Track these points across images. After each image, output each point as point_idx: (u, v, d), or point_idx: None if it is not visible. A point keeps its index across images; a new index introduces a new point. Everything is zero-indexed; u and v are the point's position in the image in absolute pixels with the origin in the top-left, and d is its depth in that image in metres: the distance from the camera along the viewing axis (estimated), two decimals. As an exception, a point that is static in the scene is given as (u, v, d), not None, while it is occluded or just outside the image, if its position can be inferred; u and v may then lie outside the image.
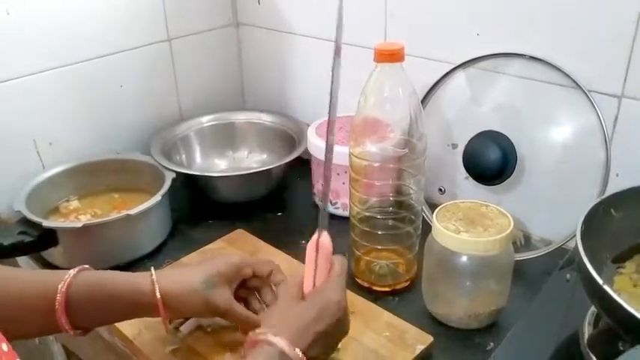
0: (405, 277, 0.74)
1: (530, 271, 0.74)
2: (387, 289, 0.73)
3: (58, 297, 0.53)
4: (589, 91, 0.69)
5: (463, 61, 0.78)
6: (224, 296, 0.58)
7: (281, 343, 0.47)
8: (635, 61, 0.66)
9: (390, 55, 0.64)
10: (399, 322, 0.65)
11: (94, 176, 0.90)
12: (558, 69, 0.71)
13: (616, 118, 0.70)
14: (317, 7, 0.95)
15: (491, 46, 0.76)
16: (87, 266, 0.58)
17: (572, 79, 0.70)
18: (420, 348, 0.61)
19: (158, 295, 0.56)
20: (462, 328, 0.66)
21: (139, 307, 0.57)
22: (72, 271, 0.56)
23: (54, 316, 0.53)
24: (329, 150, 0.53)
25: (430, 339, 0.62)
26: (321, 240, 0.53)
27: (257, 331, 0.50)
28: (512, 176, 0.77)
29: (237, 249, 0.79)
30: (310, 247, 0.54)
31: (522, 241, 0.80)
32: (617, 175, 0.71)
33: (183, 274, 0.59)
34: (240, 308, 0.60)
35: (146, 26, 0.96)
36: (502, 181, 0.76)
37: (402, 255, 0.74)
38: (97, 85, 0.92)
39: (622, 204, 0.58)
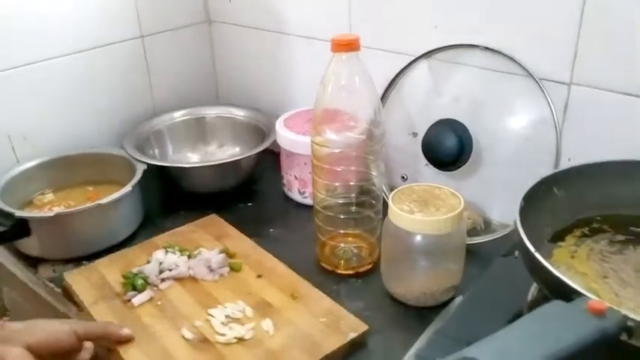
0: (367, 260, 0.76)
1: (489, 254, 0.77)
2: (350, 272, 0.76)
3: None
4: (540, 79, 0.72)
5: (422, 52, 0.82)
6: None
7: None
8: (581, 49, 0.69)
9: (346, 45, 0.67)
10: (338, 309, 0.67)
11: (69, 170, 0.92)
12: (511, 59, 0.74)
13: (566, 105, 0.73)
14: (286, 4, 0.98)
15: (449, 38, 0.79)
16: None
17: (524, 68, 0.73)
18: (351, 335, 0.62)
19: None
20: (420, 307, 0.69)
21: None
22: None
23: None
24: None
25: (364, 328, 0.64)
26: None
27: None
28: (471, 163, 0.80)
29: (207, 234, 0.82)
30: None
31: (482, 225, 0.83)
32: (569, 159, 0.74)
33: None
34: None
35: (119, 23, 0.98)
36: (458, 167, 0.79)
37: (365, 239, 0.77)
38: (70, 80, 0.94)
39: (564, 182, 0.61)
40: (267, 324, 0.65)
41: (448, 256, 0.67)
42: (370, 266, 0.76)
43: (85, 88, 0.97)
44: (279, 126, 0.90)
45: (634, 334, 0.40)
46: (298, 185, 0.90)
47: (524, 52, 0.73)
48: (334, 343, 0.61)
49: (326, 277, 0.75)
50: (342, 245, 0.77)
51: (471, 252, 0.75)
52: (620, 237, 0.59)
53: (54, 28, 0.90)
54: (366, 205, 0.75)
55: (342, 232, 0.76)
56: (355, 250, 0.77)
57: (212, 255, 0.76)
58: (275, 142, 0.92)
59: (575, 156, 0.74)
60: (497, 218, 0.84)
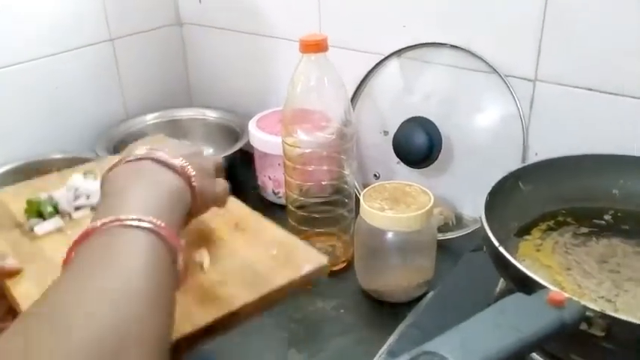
0: (342, 258, 0.77)
1: (461, 248, 0.78)
2: (325, 270, 0.76)
3: None
4: (506, 76, 0.74)
5: (392, 51, 0.83)
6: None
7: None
8: (545, 47, 0.71)
9: (314, 46, 0.67)
10: (294, 241, 0.55)
11: (41, 175, 0.91)
12: (478, 57, 0.75)
13: (532, 101, 0.74)
14: (256, 5, 0.98)
15: (418, 37, 0.80)
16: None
17: (490, 65, 0.74)
18: (306, 268, 0.50)
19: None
20: (394, 302, 0.70)
21: None
22: None
23: None
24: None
25: (323, 261, 0.51)
26: None
27: None
28: (441, 160, 0.82)
29: None
30: None
31: (454, 220, 0.84)
32: (536, 154, 0.76)
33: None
34: None
35: (87, 27, 0.97)
36: (429, 165, 0.80)
37: (339, 237, 0.78)
38: (40, 85, 0.94)
39: (529, 177, 0.63)
40: (200, 255, 0.53)
41: (419, 252, 0.68)
42: (345, 264, 0.77)
43: (54, 92, 0.96)
44: (252, 127, 0.90)
45: (593, 324, 0.41)
46: (272, 185, 0.91)
47: (490, 50, 0.75)
48: (284, 277, 0.49)
49: (301, 277, 0.75)
50: (317, 244, 0.78)
51: (444, 247, 0.76)
52: (584, 229, 0.60)
53: (21, 32, 0.89)
54: (339, 204, 0.76)
55: (316, 231, 0.77)
56: (329, 249, 0.78)
57: None
58: (249, 143, 0.92)
59: (542, 150, 0.75)
60: (468, 213, 0.85)
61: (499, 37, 0.74)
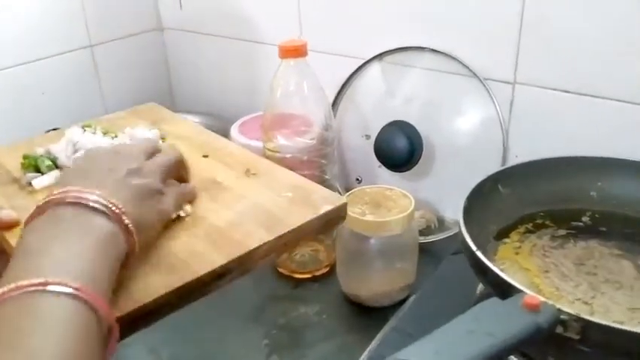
0: (324, 263, 0.77)
1: (443, 251, 0.79)
2: (307, 275, 0.76)
3: None
4: (485, 79, 0.74)
5: (372, 55, 0.83)
6: None
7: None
8: (523, 50, 0.71)
9: (293, 51, 0.67)
10: (309, 184, 0.53)
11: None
12: (458, 60, 0.75)
13: (512, 103, 0.75)
14: (236, 9, 0.98)
15: (398, 41, 0.81)
16: None
17: (469, 69, 0.75)
18: (325, 208, 0.49)
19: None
20: (377, 307, 0.70)
21: None
22: None
23: None
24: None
25: (342, 200, 0.51)
26: None
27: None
28: (423, 163, 0.82)
29: (141, 119, 0.70)
30: None
31: (436, 223, 0.84)
32: (516, 156, 0.76)
33: None
34: None
35: (66, 33, 0.96)
36: (410, 168, 0.81)
37: (322, 241, 0.78)
38: (19, 92, 0.93)
39: (508, 180, 0.63)
40: (212, 199, 0.52)
41: (401, 256, 0.68)
42: (327, 269, 0.77)
43: (34, 100, 0.95)
44: (234, 132, 0.90)
45: (568, 327, 0.41)
46: (255, 190, 0.90)
47: (470, 54, 0.75)
48: (301, 217, 0.48)
49: (283, 282, 0.75)
50: (300, 249, 0.78)
51: (426, 250, 0.76)
52: (562, 232, 0.61)
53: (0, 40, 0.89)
54: (321, 209, 0.75)
55: (298, 236, 0.77)
56: (313, 254, 0.78)
57: (142, 132, 0.63)
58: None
59: (522, 152, 0.76)
60: (450, 216, 0.85)
61: (478, 41, 0.74)
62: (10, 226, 0.48)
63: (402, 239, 0.66)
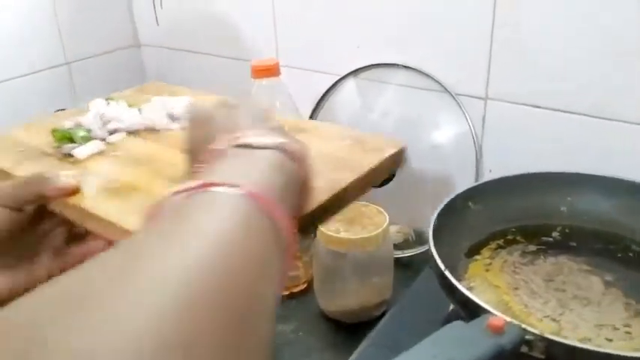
0: (302, 280, 0.77)
1: (420, 265, 0.79)
2: (285, 292, 0.76)
3: None
4: (457, 94, 0.75)
5: (347, 72, 0.83)
6: None
7: None
8: (494, 67, 0.73)
9: (265, 71, 0.68)
10: (362, 133, 0.52)
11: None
12: (430, 76, 0.76)
13: (484, 119, 0.76)
14: (213, 27, 0.98)
15: (371, 58, 0.81)
16: None
17: (442, 85, 0.76)
18: (390, 151, 0.49)
19: None
20: (354, 323, 0.70)
21: None
22: None
23: None
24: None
25: (400, 144, 0.50)
26: None
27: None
28: (399, 178, 0.82)
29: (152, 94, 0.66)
30: None
31: (414, 237, 0.85)
32: (490, 171, 0.77)
33: None
34: None
35: (41, 51, 0.96)
36: (385, 184, 0.81)
37: (299, 258, 0.78)
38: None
39: (479, 197, 0.64)
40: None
41: (377, 272, 0.69)
42: (304, 286, 0.77)
43: (9, 118, 0.94)
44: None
45: (534, 347, 0.42)
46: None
47: (442, 70, 0.76)
48: (371, 159, 0.47)
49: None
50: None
51: (404, 265, 0.77)
52: (532, 247, 0.62)
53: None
54: (297, 226, 0.76)
55: (275, 253, 0.77)
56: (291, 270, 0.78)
57: (172, 100, 0.60)
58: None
59: (496, 167, 0.77)
60: (428, 230, 0.86)
61: (450, 57, 0.75)
62: (72, 192, 0.44)
63: (377, 255, 0.67)
